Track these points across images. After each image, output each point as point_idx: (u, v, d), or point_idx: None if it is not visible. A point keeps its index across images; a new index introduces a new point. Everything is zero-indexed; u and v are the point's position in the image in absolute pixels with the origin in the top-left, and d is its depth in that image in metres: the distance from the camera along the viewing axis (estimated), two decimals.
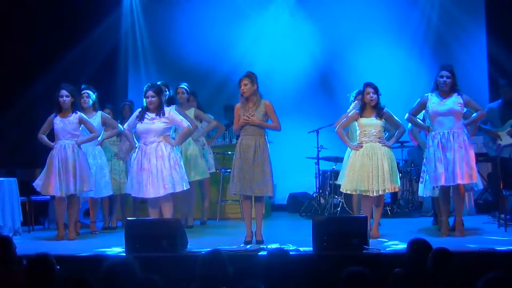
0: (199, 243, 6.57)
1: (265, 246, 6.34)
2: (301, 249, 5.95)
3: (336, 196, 9.16)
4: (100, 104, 8.26)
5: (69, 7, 10.28)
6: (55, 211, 7.67)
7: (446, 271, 4.03)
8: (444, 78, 6.89)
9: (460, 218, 6.96)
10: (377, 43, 10.72)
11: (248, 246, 6.49)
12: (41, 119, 7.83)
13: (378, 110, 7.07)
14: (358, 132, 7.21)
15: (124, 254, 6.10)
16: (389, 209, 9.11)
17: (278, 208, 10.30)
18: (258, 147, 6.75)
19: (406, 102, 7.71)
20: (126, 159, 8.31)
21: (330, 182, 9.29)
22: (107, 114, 8.16)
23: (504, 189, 7.38)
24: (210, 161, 8.77)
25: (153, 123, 7.11)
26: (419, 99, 7.07)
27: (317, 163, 9.47)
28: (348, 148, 7.47)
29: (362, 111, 7.12)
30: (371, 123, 7.08)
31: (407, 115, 7.13)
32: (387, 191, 7.13)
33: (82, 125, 7.53)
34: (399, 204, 9.36)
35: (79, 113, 7.54)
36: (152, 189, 7.01)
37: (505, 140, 8.24)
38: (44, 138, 7.58)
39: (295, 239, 6.53)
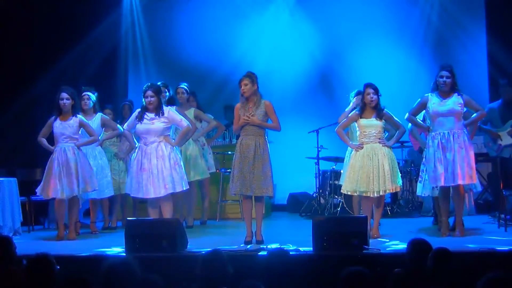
0: (199, 243, 6.57)
1: (265, 246, 6.34)
2: (301, 249, 5.96)
3: (336, 196, 9.16)
4: (100, 104, 8.26)
5: (69, 7, 10.27)
6: (55, 211, 7.67)
7: (446, 271, 4.03)
8: (444, 78, 6.88)
9: (460, 218, 6.96)
10: (377, 43, 10.72)
11: (248, 246, 6.49)
12: (41, 119, 7.83)
13: (378, 111, 7.06)
14: (358, 133, 7.21)
15: (124, 254, 6.10)
16: (389, 209, 9.11)
17: (278, 208, 10.30)
18: (258, 147, 6.74)
19: (406, 102, 7.71)
20: (126, 159, 8.32)
21: (330, 182, 9.30)
22: (106, 116, 8.16)
23: (504, 189, 7.38)
24: (210, 161, 8.77)
25: (152, 123, 7.11)
26: (419, 99, 7.06)
27: (317, 163, 9.47)
28: (349, 148, 7.47)
29: (362, 111, 7.12)
30: (371, 124, 7.07)
31: (407, 115, 7.12)
32: (388, 191, 7.13)
33: (82, 128, 7.53)
34: (399, 204, 9.36)
35: (79, 116, 7.54)
36: (153, 189, 7.01)
37: (505, 140, 8.23)
38: (44, 141, 7.58)
39: (295, 239, 6.53)
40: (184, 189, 7.22)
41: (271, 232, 7.37)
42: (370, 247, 5.90)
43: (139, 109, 7.25)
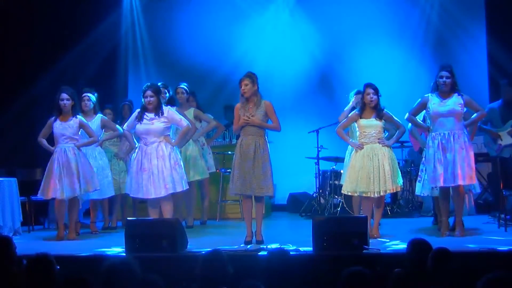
0: (199, 243, 6.57)
1: (265, 246, 6.34)
2: (301, 249, 5.96)
3: (336, 196, 9.16)
4: (100, 104, 8.26)
5: (69, 7, 10.27)
6: (55, 211, 7.67)
7: (446, 271, 4.03)
8: (444, 79, 6.88)
9: (460, 218, 6.96)
10: (377, 43, 10.72)
11: (248, 246, 6.49)
12: (41, 119, 7.82)
13: (378, 111, 7.06)
14: (358, 133, 7.21)
15: (124, 254, 6.10)
16: (389, 209, 9.11)
17: (278, 208, 10.30)
18: (258, 147, 6.74)
19: (406, 102, 7.71)
20: (126, 159, 8.32)
21: (330, 182, 9.29)
22: (106, 117, 8.16)
23: (504, 189, 7.38)
24: (210, 161, 8.77)
25: (152, 123, 7.11)
26: (419, 100, 7.06)
27: (317, 163, 9.46)
28: (349, 148, 7.46)
29: (361, 112, 7.11)
30: (371, 124, 7.07)
31: (407, 115, 7.12)
32: (388, 191, 7.13)
33: (81, 128, 7.53)
34: (399, 204, 9.36)
35: (79, 117, 7.54)
36: (153, 190, 7.00)
37: (505, 140, 8.22)
38: (44, 142, 7.58)
39: (295, 239, 6.53)
40: (184, 188, 7.22)
41: (271, 232, 7.37)
42: (370, 247, 5.90)
43: (138, 109, 7.25)
